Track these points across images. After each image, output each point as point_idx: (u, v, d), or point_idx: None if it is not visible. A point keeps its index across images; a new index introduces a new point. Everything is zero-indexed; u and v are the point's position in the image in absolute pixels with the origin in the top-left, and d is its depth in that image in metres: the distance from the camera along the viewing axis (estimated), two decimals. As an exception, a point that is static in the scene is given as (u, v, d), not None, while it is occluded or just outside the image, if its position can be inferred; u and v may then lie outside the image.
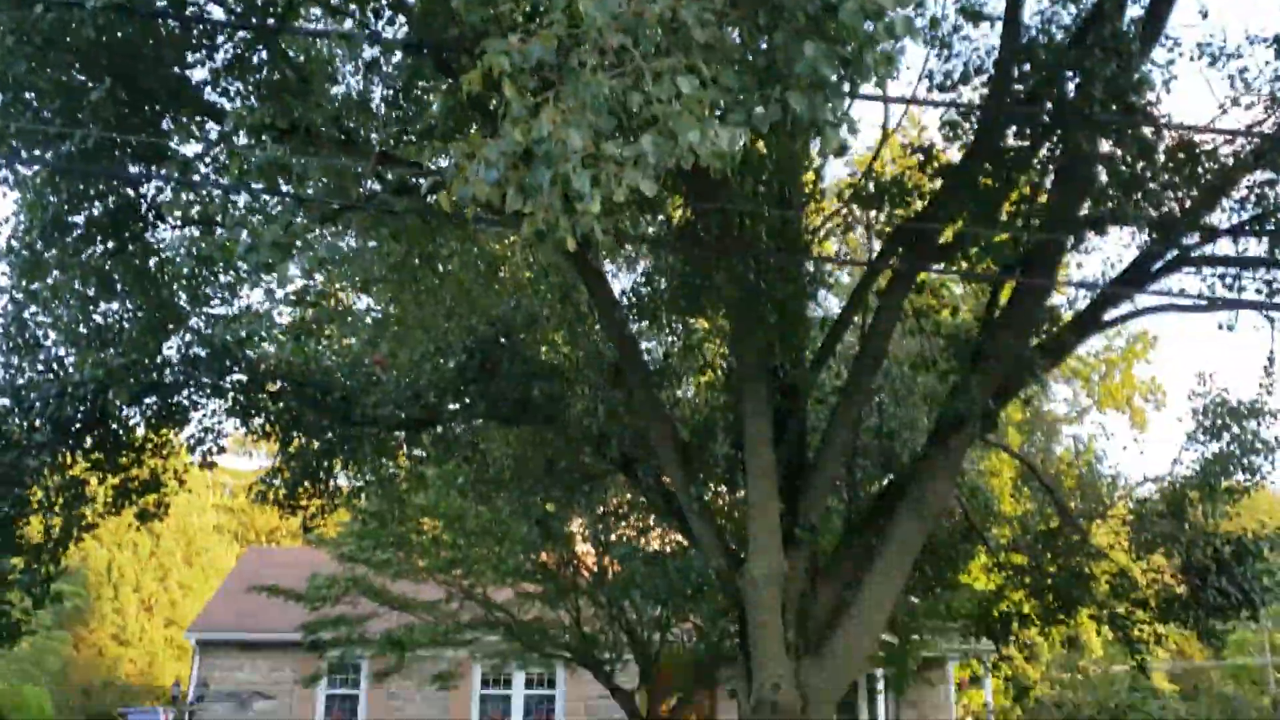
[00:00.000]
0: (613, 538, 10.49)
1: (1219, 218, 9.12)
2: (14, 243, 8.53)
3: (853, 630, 8.60)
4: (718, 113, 3.91)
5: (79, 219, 8.63)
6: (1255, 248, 9.31)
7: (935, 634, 16.64)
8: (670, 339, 9.28)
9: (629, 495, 11.63)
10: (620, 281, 12.20)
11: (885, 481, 9.71)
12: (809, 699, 8.54)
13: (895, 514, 8.75)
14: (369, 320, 10.79)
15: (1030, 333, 8.76)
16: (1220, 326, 10.57)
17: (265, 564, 25.92)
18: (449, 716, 25.29)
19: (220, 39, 7.59)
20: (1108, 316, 9.62)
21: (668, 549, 9.92)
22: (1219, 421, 14.23)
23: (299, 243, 6.33)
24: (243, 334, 10.73)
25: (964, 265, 8.35)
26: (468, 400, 10.01)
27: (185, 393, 11.67)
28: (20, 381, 10.17)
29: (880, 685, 24.21)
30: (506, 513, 11.37)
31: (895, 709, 26.83)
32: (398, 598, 17.27)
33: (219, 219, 7.61)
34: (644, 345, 9.57)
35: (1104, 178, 8.28)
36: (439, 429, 10.70)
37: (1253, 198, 8.71)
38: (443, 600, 16.88)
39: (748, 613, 8.65)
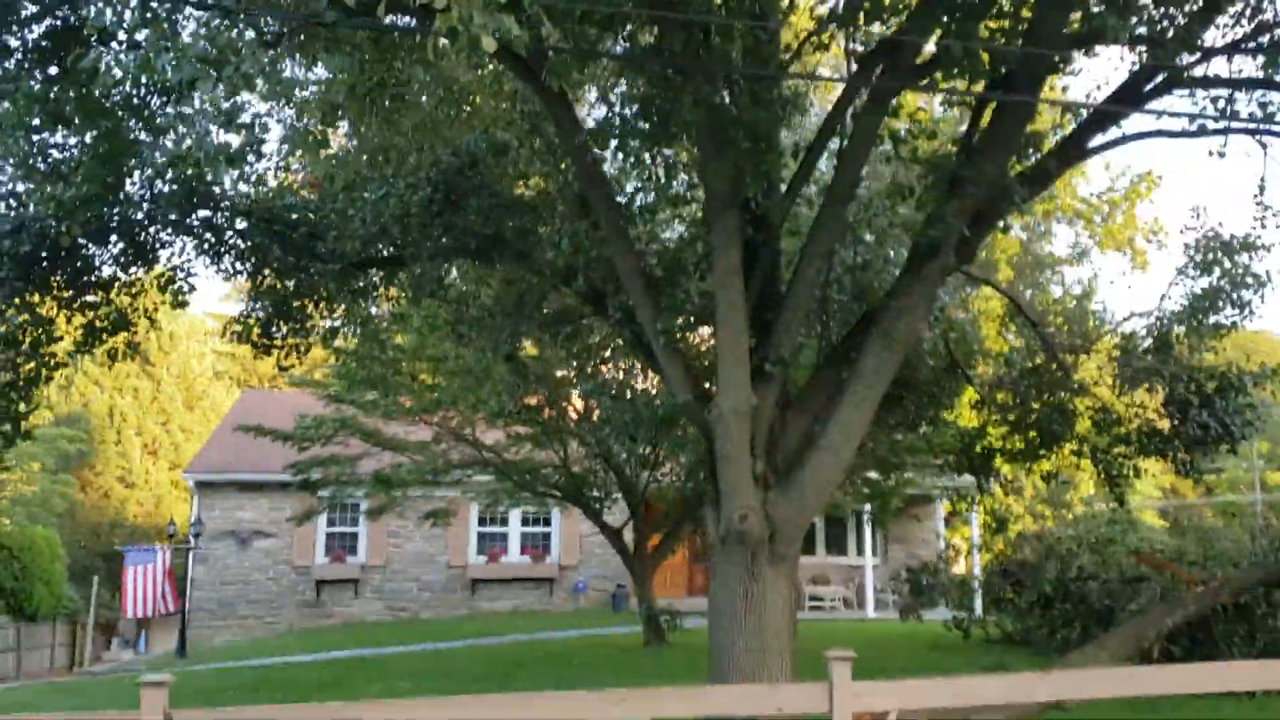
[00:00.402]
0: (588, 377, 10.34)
1: (1213, 35, 8.68)
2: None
3: (820, 461, 8.56)
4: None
5: (15, 43, 8.24)
6: (1250, 67, 8.89)
7: (922, 470, 16.77)
8: (635, 167, 8.92)
9: (608, 335, 11.48)
10: (599, 112, 11.83)
11: (860, 314, 9.51)
12: (776, 529, 8.57)
13: (866, 345, 8.61)
14: (332, 150, 10.40)
15: (1010, 158, 8.44)
16: (1211, 154, 10.23)
17: (263, 407, 26.06)
18: (447, 553, 25.84)
19: None
20: (1094, 143, 9.26)
21: (642, 387, 9.81)
22: (1210, 256, 14.00)
23: (232, 59, 5.98)
24: (203, 166, 10.42)
25: (942, 84, 7.95)
26: (435, 235, 9.73)
27: (151, 230, 11.44)
28: (-23, 217, 9.93)
29: (867, 521, 24.65)
30: (483, 354, 11.23)
31: (883, 544, 27.47)
32: (389, 439, 17.41)
33: (157, 40, 7.20)
34: (612, 174, 9.26)
35: (1093, -9, 7.83)
36: (413, 267, 10.45)
37: (1248, 11, 8.24)
38: (432, 441, 17.02)
39: (715, 446, 8.60)
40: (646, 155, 8.03)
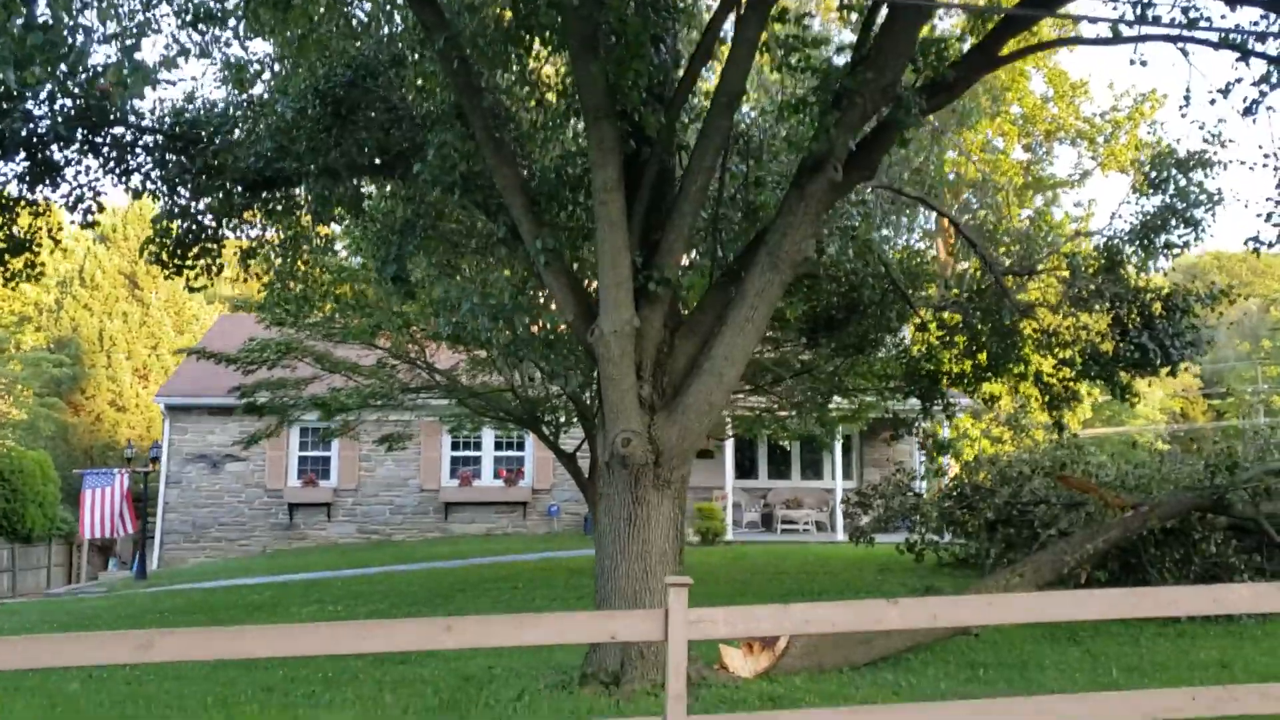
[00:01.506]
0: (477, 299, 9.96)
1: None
2: None
3: (704, 385, 8.31)
4: None
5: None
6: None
7: (894, 395, 16.47)
8: (508, 76, 8.56)
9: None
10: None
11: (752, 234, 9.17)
12: (661, 453, 8.36)
13: (751, 265, 8.30)
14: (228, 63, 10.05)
15: (903, 67, 8.01)
16: (1133, 62, 9.76)
17: (238, 330, 25.91)
18: (419, 477, 25.87)
19: None
20: (1004, 51, 8.80)
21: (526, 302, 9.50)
22: (1164, 174, 13.56)
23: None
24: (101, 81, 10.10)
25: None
26: (325, 151, 9.41)
27: (56, 148, 11.16)
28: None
29: (839, 448, 24.48)
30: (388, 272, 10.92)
31: (859, 467, 27.35)
32: (341, 361, 17.21)
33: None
34: (492, 82, 8.85)
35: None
36: (309, 184, 10.14)
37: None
38: (378, 365, 16.81)
39: (600, 367, 8.36)
40: (515, 62, 7.64)
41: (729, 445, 24.23)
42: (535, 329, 10.16)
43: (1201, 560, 12.24)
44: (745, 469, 27.28)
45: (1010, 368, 13.82)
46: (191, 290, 11.62)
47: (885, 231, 15.11)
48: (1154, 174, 13.58)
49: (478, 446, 26.09)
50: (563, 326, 9.45)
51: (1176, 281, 13.26)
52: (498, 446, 26.05)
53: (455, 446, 25.89)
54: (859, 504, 16.69)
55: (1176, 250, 13.33)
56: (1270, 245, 11.42)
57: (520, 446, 26.28)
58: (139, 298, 42.68)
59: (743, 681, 8.47)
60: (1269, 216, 11.51)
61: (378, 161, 10.28)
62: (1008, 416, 26.90)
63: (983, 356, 14.07)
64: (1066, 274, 13.43)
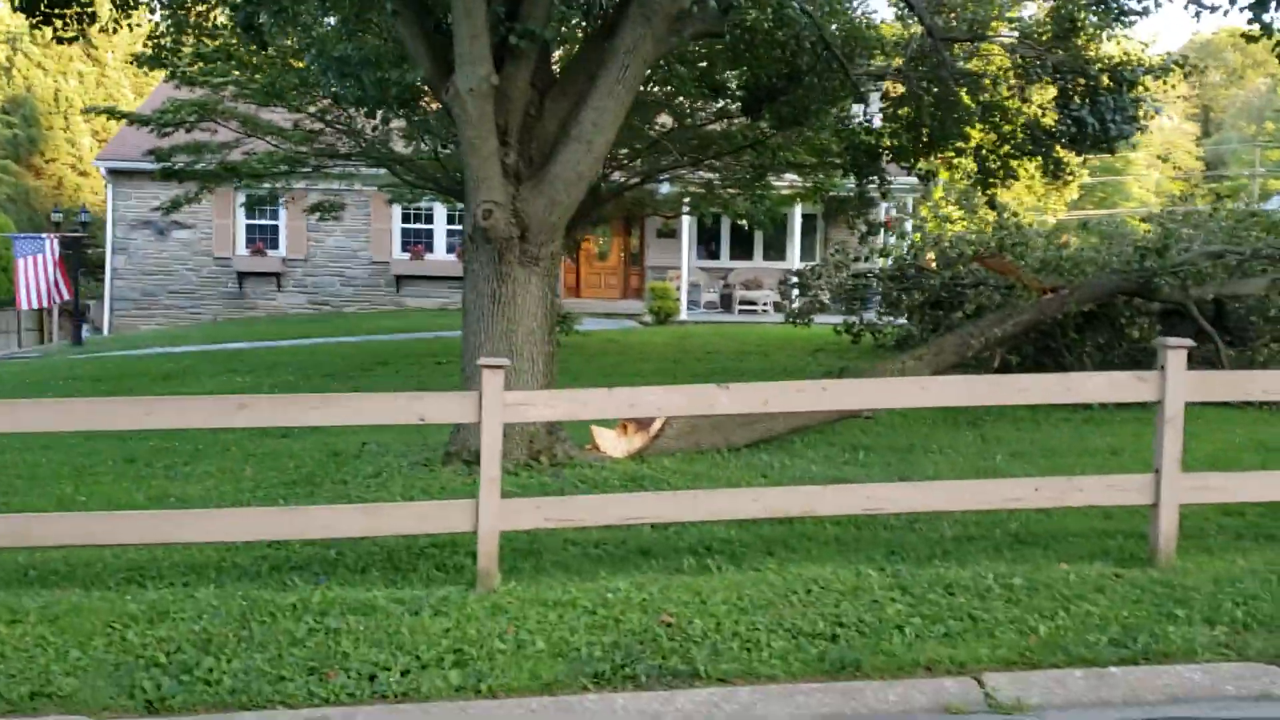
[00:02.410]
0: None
1: None
2: None
3: (571, 153, 7.70)
4: None
5: None
6: None
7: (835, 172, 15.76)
8: None
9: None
10: None
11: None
12: (529, 226, 7.84)
13: (623, 17, 7.53)
14: None
15: None
16: None
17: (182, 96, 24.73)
18: (369, 249, 25.42)
19: None
20: None
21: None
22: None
23: None
24: None
25: None
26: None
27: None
28: None
29: (797, 228, 23.92)
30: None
31: (823, 250, 26.84)
32: (265, 125, 16.38)
33: None
34: None
35: None
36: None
37: None
38: (294, 128, 15.99)
39: (459, 131, 7.72)
40: None
41: (687, 224, 23.63)
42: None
43: (1129, 345, 11.94)
44: (710, 250, 26.79)
45: (951, 142, 13.10)
46: (60, 41, 10.75)
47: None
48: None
49: (430, 219, 25.48)
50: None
51: (1128, 51, 12.35)
52: (450, 220, 25.41)
53: (407, 219, 25.27)
54: (797, 285, 16.29)
55: (1133, 19, 12.38)
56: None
57: (475, 219, 25.63)
58: (95, 57, 40.94)
59: (611, 461, 8.26)
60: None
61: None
62: (959, 195, 26.11)
63: (925, 129, 13.34)
64: (1013, 41, 12.54)
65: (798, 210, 23.01)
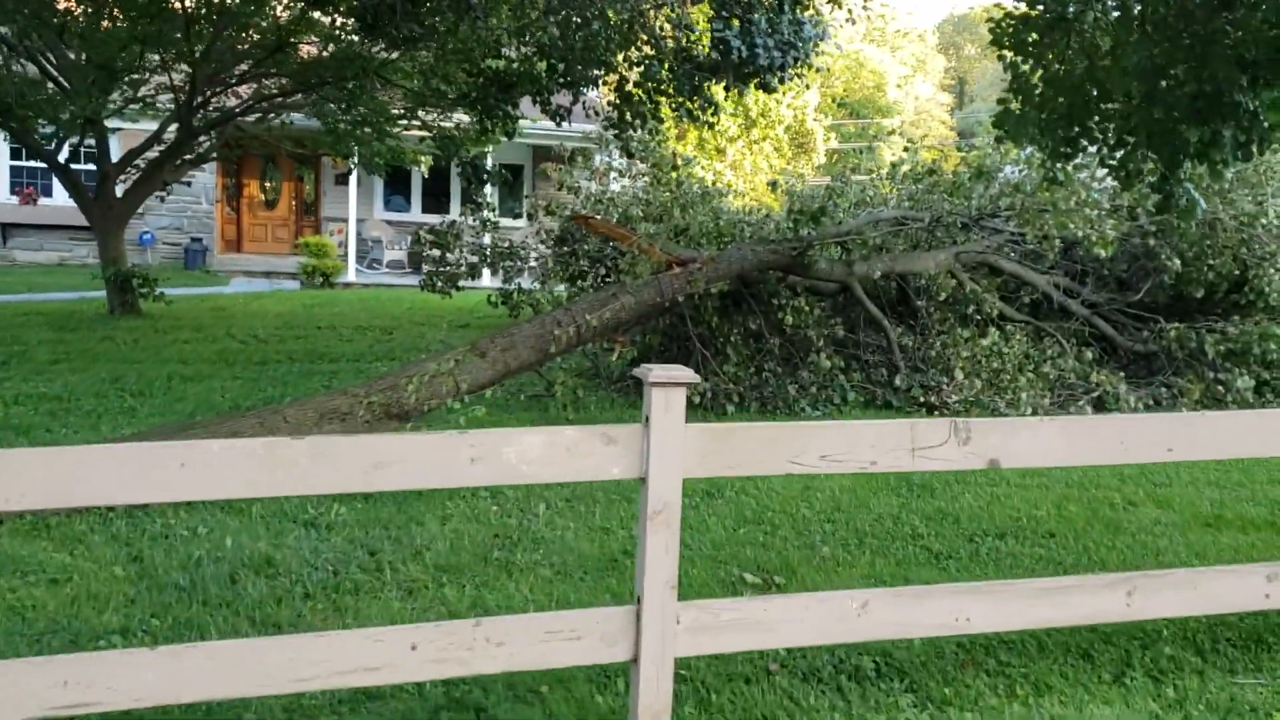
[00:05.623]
0: None
1: None
2: None
3: None
4: None
5: None
6: None
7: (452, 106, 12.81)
8: None
9: None
10: None
11: None
12: None
13: None
14: None
15: None
16: None
17: None
18: None
19: None
20: None
21: None
22: None
23: None
24: None
25: None
26: None
27: None
28: None
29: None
30: None
31: (534, 201, 23.95)
32: None
33: None
34: None
35: None
36: None
37: None
38: None
39: None
40: None
41: (354, 168, 20.15)
42: None
43: (786, 337, 9.58)
44: (399, 202, 23.45)
45: (588, 71, 10.41)
46: None
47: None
48: None
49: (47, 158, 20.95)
50: None
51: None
52: (75, 160, 20.98)
53: (16, 155, 20.73)
54: (434, 244, 13.31)
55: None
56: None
57: (104, 160, 21.34)
58: None
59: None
60: None
61: None
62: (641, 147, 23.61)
63: (570, 55, 10.60)
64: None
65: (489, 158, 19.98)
